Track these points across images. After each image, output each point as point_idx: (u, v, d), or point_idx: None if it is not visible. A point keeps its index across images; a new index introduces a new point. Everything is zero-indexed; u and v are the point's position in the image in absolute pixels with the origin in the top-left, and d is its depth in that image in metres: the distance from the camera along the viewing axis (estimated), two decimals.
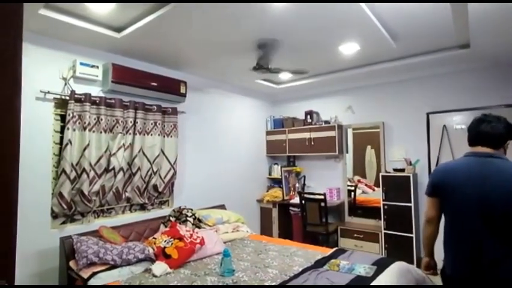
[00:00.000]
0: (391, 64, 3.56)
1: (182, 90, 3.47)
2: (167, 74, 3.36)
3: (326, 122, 4.53)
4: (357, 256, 2.54)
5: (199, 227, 3.06)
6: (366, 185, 4.68)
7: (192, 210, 3.21)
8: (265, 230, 4.79)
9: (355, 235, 4.08)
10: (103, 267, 2.17)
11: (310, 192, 4.27)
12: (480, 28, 2.55)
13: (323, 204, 3.96)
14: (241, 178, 4.60)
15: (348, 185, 4.59)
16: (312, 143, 4.54)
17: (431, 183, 1.65)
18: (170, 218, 3.02)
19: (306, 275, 2.15)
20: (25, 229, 2.35)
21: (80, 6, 2.21)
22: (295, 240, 4.34)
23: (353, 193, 4.62)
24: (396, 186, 3.71)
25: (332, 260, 2.42)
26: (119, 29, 2.59)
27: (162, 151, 3.36)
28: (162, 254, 2.41)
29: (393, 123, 4.10)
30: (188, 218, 3.06)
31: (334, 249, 2.76)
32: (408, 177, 3.63)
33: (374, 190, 4.48)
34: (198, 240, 2.61)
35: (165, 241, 2.51)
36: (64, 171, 2.56)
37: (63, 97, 2.62)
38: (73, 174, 2.62)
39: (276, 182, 5.03)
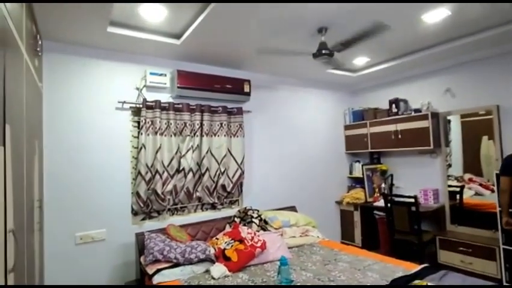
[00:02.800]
0: (497, 30, 2.69)
1: (246, 89, 3.41)
2: (230, 75, 3.37)
3: (417, 110, 3.79)
4: (454, 278, 1.98)
5: (264, 229, 2.95)
6: (480, 184, 3.71)
7: (258, 211, 3.12)
8: (347, 235, 4.35)
9: (461, 248, 3.28)
10: (167, 265, 2.27)
11: (397, 194, 3.65)
12: None
13: (413, 208, 3.32)
14: (317, 178, 4.29)
15: (453, 186, 3.73)
16: (399, 136, 3.88)
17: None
18: (235, 219, 2.99)
19: None
20: (112, 224, 2.71)
21: (137, 19, 2.37)
22: (382, 250, 3.81)
23: (458, 195, 3.74)
24: None
25: (416, 281, 1.93)
26: (177, 36, 2.70)
27: (229, 151, 3.38)
28: (222, 256, 2.39)
29: None
30: (253, 219, 2.98)
31: (422, 266, 2.23)
32: None
33: (493, 191, 3.50)
34: (259, 244, 2.49)
35: (226, 242, 2.48)
36: (139, 172, 2.81)
37: (137, 105, 2.88)
38: (148, 176, 2.85)
39: (357, 182, 4.51)
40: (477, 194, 3.65)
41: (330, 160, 4.48)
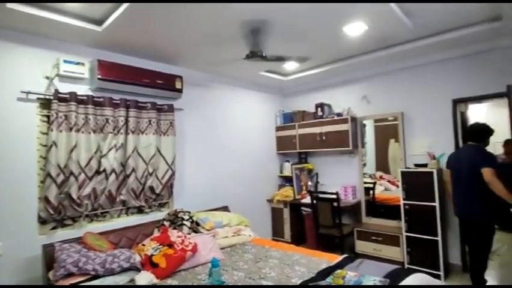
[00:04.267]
0: (407, 46, 3.15)
1: (178, 86, 3.26)
2: (161, 69, 3.18)
3: (339, 114, 4.16)
4: (368, 266, 2.21)
5: (196, 232, 2.85)
6: (389, 181, 4.26)
7: (189, 212, 3.01)
8: (277, 232, 4.52)
9: (373, 238, 3.70)
10: (83, 278, 2.01)
11: (322, 191, 3.94)
12: None
13: (335, 204, 3.62)
14: (250, 177, 4.35)
15: (368, 182, 4.20)
16: (324, 138, 4.20)
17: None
18: (164, 222, 2.83)
19: None
20: (11, 236, 2.28)
21: None
22: (309, 244, 4.06)
23: (371, 191, 4.23)
24: (418, 183, 3.29)
25: (338, 271, 2.10)
26: (99, 22, 2.42)
27: (158, 151, 3.18)
28: (149, 263, 2.22)
29: (414, 113, 3.66)
30: (184, 222, 2.85)
31: (342, 257, 2.44)
32: (431, 173, 3.20)
33: (398, 187, 4.06)
34: (190, 247, 2.40)
35: (153, 248, 2.32)
36: (49, 174, 2.43)
37: (47, 97, 2.49)
38: (60, 178, 2.49)
39: (287, 181, 4.73)
40: (386, 189, 4.19)
41: (262, 160, 4.59)
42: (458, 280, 3.14)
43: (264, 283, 2.04)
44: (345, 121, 4.00)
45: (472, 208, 2.64)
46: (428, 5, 2.34)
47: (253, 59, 2.61)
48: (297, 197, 4.39)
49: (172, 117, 3.29)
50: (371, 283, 1.88)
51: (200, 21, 2.39)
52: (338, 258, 2.42)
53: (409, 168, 3.50)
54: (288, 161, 4.80)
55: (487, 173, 2.47)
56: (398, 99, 3.78)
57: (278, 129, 4.82)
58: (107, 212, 2.89)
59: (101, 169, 2.76)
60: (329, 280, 1.99)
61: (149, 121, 3.10)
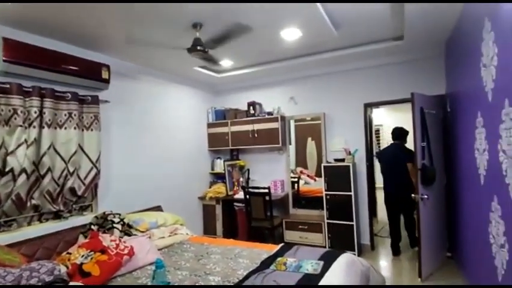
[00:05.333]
0: (331, 54, 3.55)
1: (105, 76, 2.95)
2: (85, 56, 2.82)
3: (269, 113, 4.39)
4: (304, 251, 2.43)
5: (129, 234, 2.65)
6: (308, 175, 4.71)
7: (119, 215, 2.77)
8: (209, 229, 4.51)
9: (300, 227, 4.05)
10: None
11: (254, 186, 4.11)
12: (414, 21, 2.61)
13: (267, 197, 3.83)
14: (181, 175, 4.23)
15: (292, 177, 4.56)
16: (256, 135, 4.37)
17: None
18: (92, 227, 2.54)
19: (251, 279, 1.95)
20: None
21: None
22: (241, 237, 4.19)
23: (296, 184, 4.61)
24: (338, 176, 3.75)
25: (279, 259, 2.26)
26: None
27: (80, 147, 2.82)
28: (79, 273, 1.98)
29: (334, 114, 4.14)
30: (115, 225, 2.61)
31: (280, 246, 2.62)
32: (348, 166, 3.69)
33: (315, 180, 4.54)
34: (126, 251, 2.22)
35: (83, 256, 2.07)
36: None
37: None
38: None
39: (219, 178, 4.75)
40: (306, 183, 4.63)
41: (193, 157, 4.51)
42: (369, 256, 3.71)
43: (211, 278, 2.05)
44: (275, 120, 4.25)
45: (402, 189, 3.57)
46: (352, 19, 2.69)
47: (196, 52, 2.55)
48: (230, 193, 4.46)
49: (97, 110, 2.95)
50: (309, 265, 2.09)
51: (133, 10, 2.22)
52: (276, 247, 2.58)
53: (330, 162, 3.94)
54: (219, 157, 4.83)
55: (410, 166, 3.42)
56: (322, 101, 4.21)
57: (210, 126, 4.80)
58: (13, 219, 2.43)
59: (7, 169, 2.31)
60: (272, 267, 2.12)
61: (70, 114, 2.73)
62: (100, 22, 2.44)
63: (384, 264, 3.58)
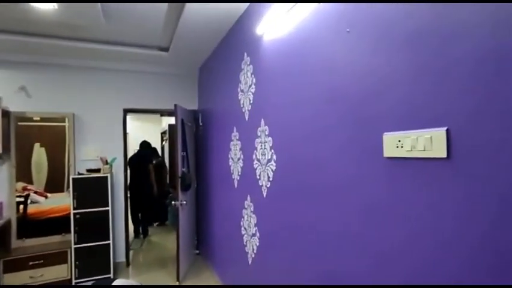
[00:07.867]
0: (93, 46, 3.01)
1: None
2: None
3: None
4: None
5: None
6: (36, 192, 3.61)
7: None
8: None
9: (31, 263, 2.99)
10: None
11: None
12: (181, 39, 2.78)
13: None
14: None
15: (17, 196, 3.31)
16: None
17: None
18: None
19: None
20: None
21: None
22: None
23: (22, 206, 3.39)
24: (92, 189, 3.18)
25: None
26: None
27: None
28: None
29: (88, 117, 3.50)
30: None
31: None
32: (106, 177, 3.24)
33: (46, 197, 3.53)
34: None
35: None
36: None
37: None
38: None
39: None
40: (33, 202, 3.51)
41: None
42: (125, 274, 3.40)
43: None
44: None
45: (147, 188, 4.77)
46: (123, 13, 2.42)
47: None
48: None
49: None
50: None
51: None
52: None
53: (82, 174, 3.27)
54: None
55: (151, 168, 4.80)
56: (71, 98, 3.43)
57: None
58: None
59: None
60: None
61: None
62: None
63: (145, 278, 3.44)
